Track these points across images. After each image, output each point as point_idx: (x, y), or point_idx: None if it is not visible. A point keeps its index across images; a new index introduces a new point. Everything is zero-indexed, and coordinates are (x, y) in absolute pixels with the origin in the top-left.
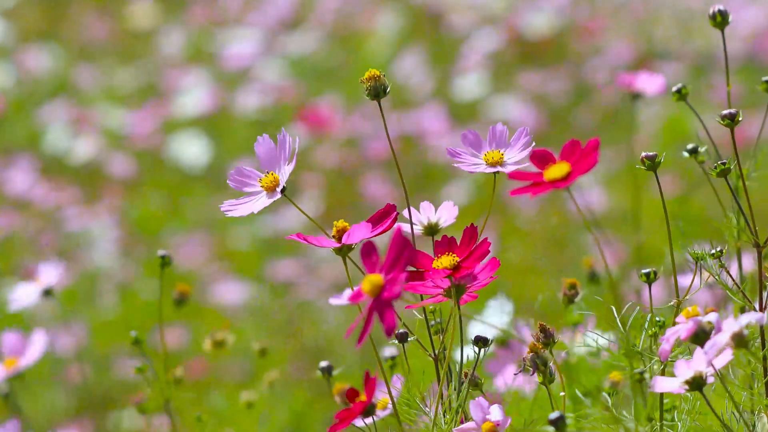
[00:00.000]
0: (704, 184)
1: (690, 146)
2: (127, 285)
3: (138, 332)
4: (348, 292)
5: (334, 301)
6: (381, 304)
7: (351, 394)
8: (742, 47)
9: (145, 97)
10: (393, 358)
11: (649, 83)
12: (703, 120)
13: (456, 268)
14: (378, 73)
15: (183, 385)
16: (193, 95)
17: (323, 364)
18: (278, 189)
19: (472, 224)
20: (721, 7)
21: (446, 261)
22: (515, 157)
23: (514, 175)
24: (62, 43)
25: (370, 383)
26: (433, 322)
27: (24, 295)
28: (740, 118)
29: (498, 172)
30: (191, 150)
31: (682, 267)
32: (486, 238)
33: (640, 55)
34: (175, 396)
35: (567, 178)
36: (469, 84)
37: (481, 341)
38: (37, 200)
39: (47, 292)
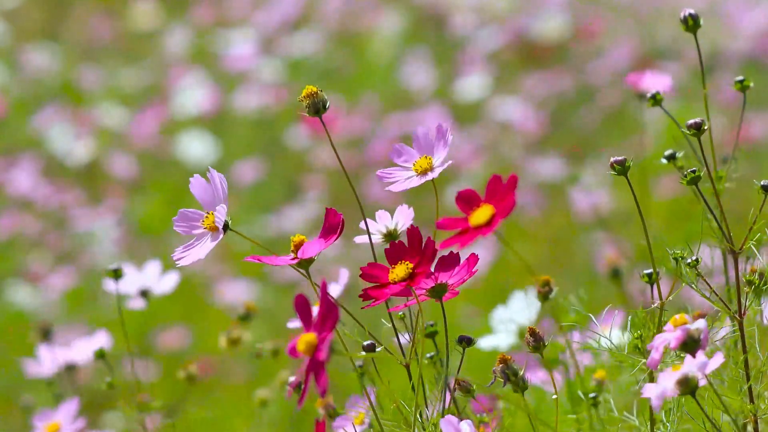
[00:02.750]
0: (708, 184)
1: (668, 152)
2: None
3: (142, 334)
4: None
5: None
6: (315, 365)
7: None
8: (747, 47)
9: (148, 97)
10: (360, 366)
11: (655, 83)
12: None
13: (412, 276)
14: (315, 89)
15: (185, 386)
16: (194, 95)
17: (292, 379)
18: (220, 229)
19: (412, 226)
20: (692, 11)
21: (401, 271)
22: (441, 157)
23: (442, 225)
24: (65, 44)
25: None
26: (429, 323)
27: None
28: (705, 127)
29: (431, 179)
30: (196, 149)
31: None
32: (429, 237)
33: (642, 55)
34: (166, 400)
35: (490, 224)
36: (472, 85)
37: (465, 341)
38: (40, 201)
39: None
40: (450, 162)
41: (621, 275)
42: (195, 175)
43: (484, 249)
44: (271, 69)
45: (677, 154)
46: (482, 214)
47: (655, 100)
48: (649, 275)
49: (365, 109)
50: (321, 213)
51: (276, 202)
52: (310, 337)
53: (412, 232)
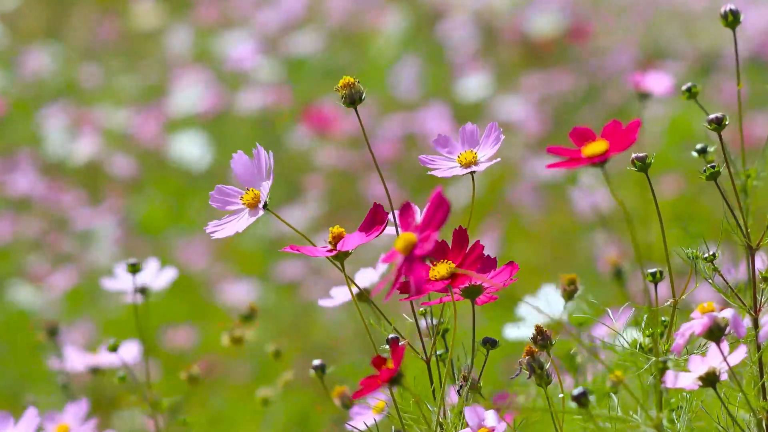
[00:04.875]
0: (710, 184)
1: (699, 146)
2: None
3: (145, 333)
4: (339, 292)
5: (323, 303)
6: (412, 260)
7: (378, 362)
8: (747, 48)
9: (149, 97)
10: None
11: (657, 83)
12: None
13: (454, 276)
14: (352, 80)
15: (188, 386)
16: (196, 95)
17: (316, 362)
18: (260, 205)
19: (461, 227)
20: (733, 7)
21: (443, 269)
22: (488, 153)
23: (552, 150)
24: (66, 44)
25: (397, 351)
26: (438, 321)
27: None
28: (726, 122)
29: (473, 172)
30: (196, 149)
31: (688, 267)
32: (478, 241)
33: (644, 55)
34: (171, 399)
35: (604, 154)
36: (473, 85)
37: (489, 343)
38: (40, 201)
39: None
40: (497, 159)
41: (623, 275)
42: (239, 151)
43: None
44: (274, 68)
45: (708, 148)
46: (597, 146)
47: (690, 92)
48: (653, 274)
49: (367, 108)
50: (322, 213)
51: (277, 202)
52: (409, 235)
53: (460, 232)
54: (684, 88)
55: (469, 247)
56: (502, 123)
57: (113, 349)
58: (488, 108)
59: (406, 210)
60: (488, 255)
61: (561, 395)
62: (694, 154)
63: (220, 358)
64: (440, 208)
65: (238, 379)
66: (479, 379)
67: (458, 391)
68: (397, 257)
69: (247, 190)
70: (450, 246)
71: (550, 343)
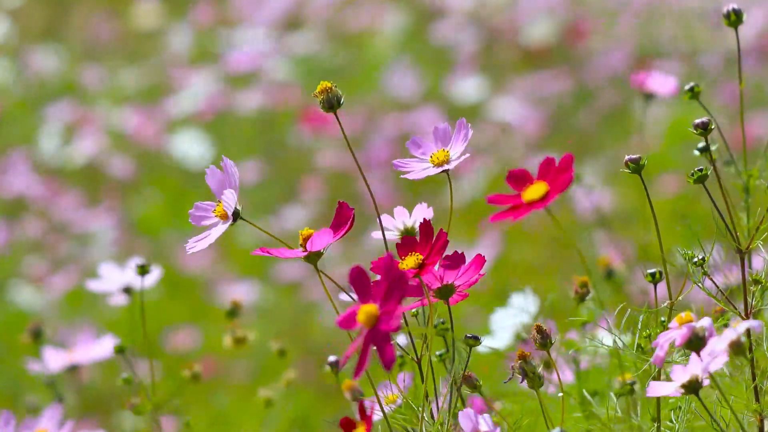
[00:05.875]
0: (710, 184)
1: (701, 144)
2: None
3: (142, 334)
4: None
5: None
6: (378, 337)
7: (346, 424)
8: (747, 47)
9: (150, 97)
10: (401, 356)
11: (662, 84)
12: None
13: (421, 266)
14: (330, 84)
15: (190, 385)
16: (196, 95)
17: (332, 358)
18: (230, 214)
19: (425, 219)
20: (735, 6)
21: (411, 261)
22: (458, 150)
23: (493, 200)
24: (67, 43)
25: (367, 418)
26: (435, 322)
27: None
28: (712, 127)
29: (446, 170)
30: (195, 149)
31: (686, 268)
32: (441, 229)
33: (639, 56)
34: (168, 399)
35: (545, 199)
36: (469, 86)
37: (471, 339)
38: (38, 202)
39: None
40: (467, 155)
41: (614, 276)
42: (211, 166)
43: (485, 249)
44: (273, 68)
45: (711, 147)
46: (536, 190)
47: (693, 92)
48: (653, 275)
49: (363, 109)
50: (322, 213)
51: (276, 202)
52: (371, 308)
53: (425, 225)
54: (686, 87)
55: (434, 238)
56: (501, 124)
57: (119, 351)
58: (485, 109)
59: (359, 276)
60: (457, 251)
61: (561, 394)
62: (696, 152)
63: (220, 358)
64: (400, 281)
65: (238, 379)
66: (477, 377)
67: (457, 390)
68: (357, 327)
69: (218, 202)
70: (417, 239)
71: (550, 342)
